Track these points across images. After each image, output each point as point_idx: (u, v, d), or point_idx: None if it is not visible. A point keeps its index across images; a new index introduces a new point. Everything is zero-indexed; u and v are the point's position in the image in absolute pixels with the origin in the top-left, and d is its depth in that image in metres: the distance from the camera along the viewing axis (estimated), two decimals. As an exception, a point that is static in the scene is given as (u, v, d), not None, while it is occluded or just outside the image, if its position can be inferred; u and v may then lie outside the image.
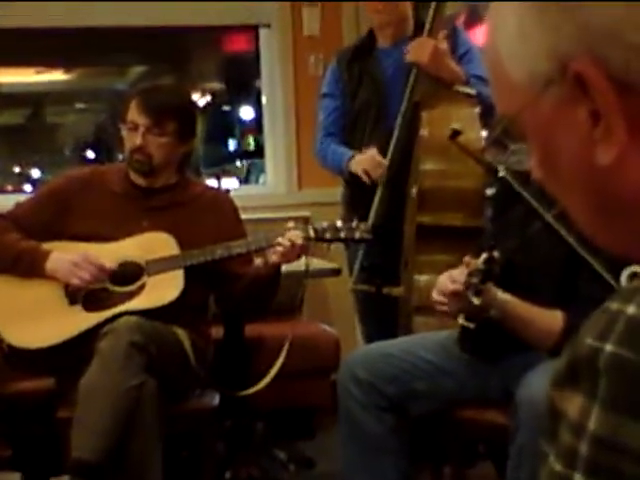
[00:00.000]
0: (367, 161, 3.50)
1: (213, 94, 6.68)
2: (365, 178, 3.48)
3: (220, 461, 3.42)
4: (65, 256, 2.99)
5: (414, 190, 3.29)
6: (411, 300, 3.20)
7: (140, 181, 3.13)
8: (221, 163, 7.24)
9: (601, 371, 0.68)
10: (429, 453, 3.14)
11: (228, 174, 6.97)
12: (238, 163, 7.44)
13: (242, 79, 6.57)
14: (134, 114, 3.06)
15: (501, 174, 2.65)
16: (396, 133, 3.43)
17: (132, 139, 3.07)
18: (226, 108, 7.29)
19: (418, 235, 3.21)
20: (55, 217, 3.09)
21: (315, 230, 3.07)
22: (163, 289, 2.97)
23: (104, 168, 3.35)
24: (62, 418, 2.87)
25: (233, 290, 3.12)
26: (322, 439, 3.99)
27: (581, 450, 0.68)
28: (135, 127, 3.06)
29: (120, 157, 7.29)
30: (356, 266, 3.59)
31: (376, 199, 3.45)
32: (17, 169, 8.00)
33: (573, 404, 0.70)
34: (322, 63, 4.75)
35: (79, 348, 2.86)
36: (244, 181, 6.57)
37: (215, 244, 3.02)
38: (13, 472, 3.32)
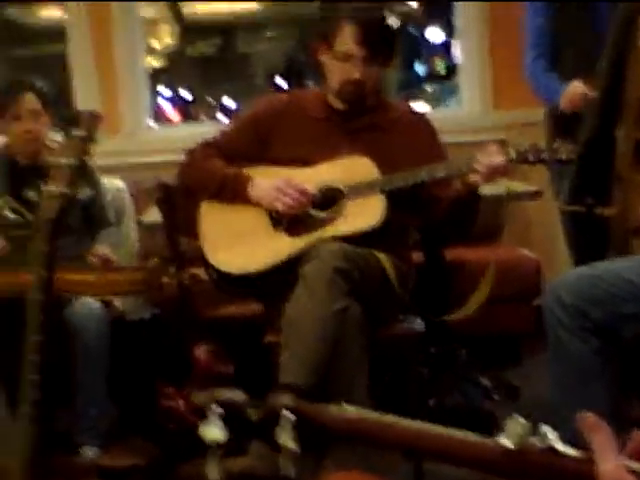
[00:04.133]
0: (570, 95, 3.42)
1: (402, 16, 6.58)
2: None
3: (424, 387, 3.40)
4: (268, 181, 3.00)
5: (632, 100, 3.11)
6: (627, 221, 3.05)
7: (339, 105, 3.09)
8: (409, 87, 7.14)
9: None
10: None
11: (417, 98, 6.88)
12: (427, 87, 7.33)
13: (433, 1, 6.43)
14: (349, 44, 2.95)
15: None
16: (610, 40, 3.25)
17: (344, 70, 2.98)
18: (412, 30, 7.18)
19: (637, 152, 3.04)
20: (256, 142, 3.10)
21: (517, 152, 2.97)
22: (365, 214, 2.93)
23: (302, 93, 3.32)
24: (270, 343, 2.92)
25: (434, 214, 3.06)
26: (527, 366, 3.92)
27: None
28: (348, 58, 2.97)
29: (310, 83, 7.33)
30: (564, 187, 3.45)
31: (587, 114, 3.32)
32: (210, 98, 8.15)
33: None
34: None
35: (284, 273, 2.88)
36: (434, 104, 6.47)
37: (416, 167, 2.95)
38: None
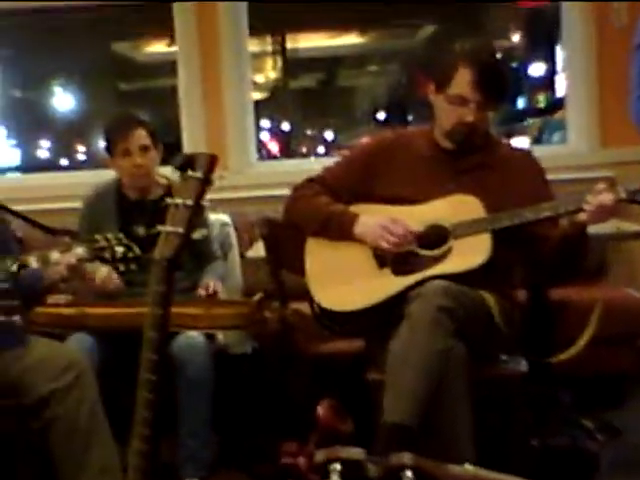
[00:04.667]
0: None
1: (504, 52, 6.57)
2: None
3: (527, 428, 3.36)
4: (373, 219, 3.01)
5: None
6: None
7: (447, 144, 3.09)
8: (510, 122, 7.10)
9: None
10: None
11: (518, 133, 6.83)
12: (528, 121, 7.27)
13: (536, 35, 6.40)
14: (464, 88, 2.94)
15: None
16: None
17: (457, 112, 2.97)
18: (514, 65, 7.15)
19: None
20: (363, 180, 3.12)
21: (627, 191, 2.92)
22: (470, 253, 2.92)
23: (409, 131, 3.33)
24: (372, 380, 2.92)
25: (540, 252, 3.03)
26: (631, 408, 3.84)
27: None
28: (462, 101, 2.96)
29: (410, 118, 7.34)
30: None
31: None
32: (310, 132, 8.22)
33: None
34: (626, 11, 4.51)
35: (388, 311, 2.88)
36: (536, 140, 6.41)
37: (523, 206, 2.93)
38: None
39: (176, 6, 4.58)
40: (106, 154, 3.67)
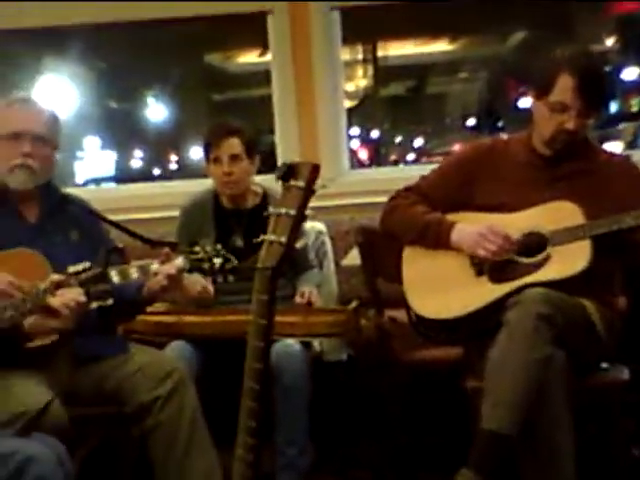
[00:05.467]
0: None
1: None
2: None
3: (628, 437, 3.30)
4: (470, 227, 3.01)
5: None
6: None
7: (545, 151, 3.07)
8: (604, 126, 7.00)
9: None
10: None
11: (612, 137, 6.73)
12: (621, 126, 7.16)
13: (629, 39, 6.30)
14: (566, 96, 2.91)
15: None
16: None
17: (558, 120, 2.95)
18: (608, 69, 7.03)
19: None
20: (460, 188, 3.12)
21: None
22: (570, 260, 2.88)
23: (506, 138, 3.31)
24: (470, 388, 2.91)
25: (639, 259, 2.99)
26: None
27: None
28: (564, 108, 2.93)
29: (500, 124, 7.29)
30: None
31: None
32: (399, 139, 8.21)
33: None
34: None
35: (486, 319, 2.87)
36: (629, 144, 6.31)
37: (622, 212, 2.89)
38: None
39: (270, 17, 4.62)
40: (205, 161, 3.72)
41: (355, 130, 7.33)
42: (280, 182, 1.87)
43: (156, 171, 8.26)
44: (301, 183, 1.82)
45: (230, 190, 3.66)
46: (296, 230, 1.83)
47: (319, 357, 3.62)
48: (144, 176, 7.73)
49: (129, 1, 4.66)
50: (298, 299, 3.53)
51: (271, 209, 1.84)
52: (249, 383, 1.87)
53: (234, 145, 3.61)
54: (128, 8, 4.68)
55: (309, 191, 1.82)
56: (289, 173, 1.84)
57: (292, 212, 1.82)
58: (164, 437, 2.92)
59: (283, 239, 1.82)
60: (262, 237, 1.84)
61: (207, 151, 3.65)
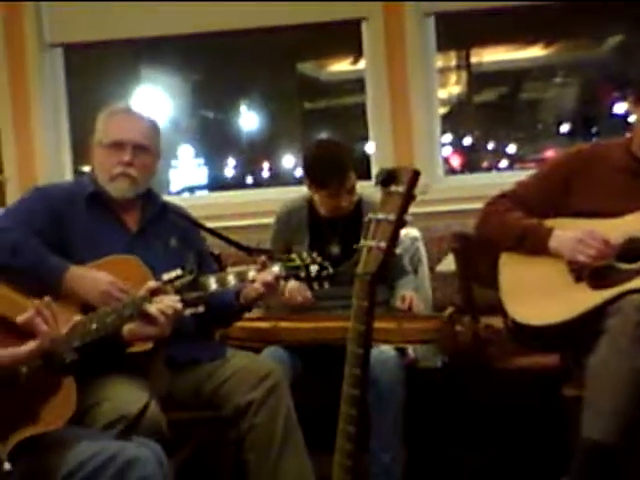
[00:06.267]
0: None
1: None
2: None
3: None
4: (569, 233, 2.97)
5: None
6: None
7: (645, 156, 3.02)
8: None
9: None
10: None
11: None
12: None
13: None
14: None
15: None
16: None
17: None
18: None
19: None
20: (558, 194, 3.08)
21: None
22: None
23: (605, 143, 3.26)
24: (568, 396, 2.87)
25: None
26: None
27: None
28: None
29: (595, 130, 7.17)
30: None
31: None
32: (492, 145, 8.13)
33: None
34: None
35: (585, 326, 2.82)
36: None
37: None
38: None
39: (365, 24, 4.64)
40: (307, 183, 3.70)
41: (447, 137, 7.30)
42: (380, 187, 1.86)
43: (249, 179, 8.33)
44: (401, 189, 1.81)
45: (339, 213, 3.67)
46: (396, 236, 1.82)
47: (413, 364, 3.61)
48: (237, 184, 7.80)
49: (223, 11, 4.72)
50: (399, 303, 3.53)
51: (370, 215, 1.83)
52: (348, 389, 1.86)
53: (350, 180, 3.59)
54: (222, 18, 4.74)
55: (409, 197, 1.81)
56: (389, 179, 1.84)
57: (392, 218, 1.81)
58: (259, 440, 2.95)
59: (383, 245, 1.81)
60: (361, 243, 1.84)
61: (314, 183, 3.62)
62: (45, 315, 2.03)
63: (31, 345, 2.00)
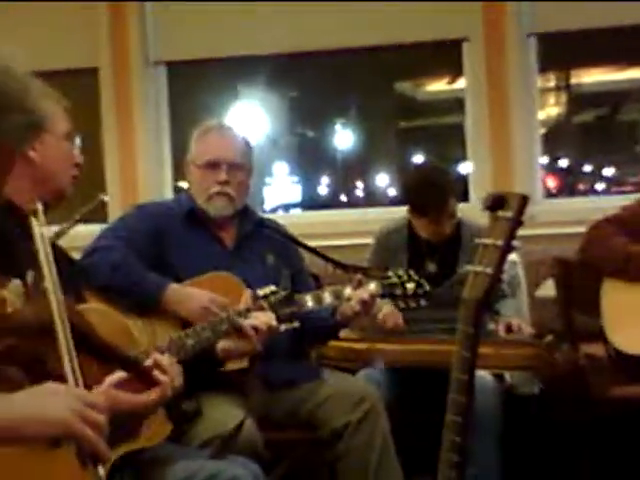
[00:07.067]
0: None
1: None
2: None
3: None
4: None
5: None
6: None
7: None
8: None
9: None
10: None
11: None
12: None
13: None
14: None
15: None
16: None
17: None
18: None
19: None
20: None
21: None
22: None
23: None
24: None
25: None
26: None
27: None
28: None
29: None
30: None
31: None
32: (589, 168, 7.99)
33: None
34: None
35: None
36: None
37: None
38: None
39: (466, 44, 4.61)
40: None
41: (543, 159, 7.20)
42: (487, 212, 1.83)
43: (342, 198, 8.33)
44: (509, 214, 1.78)
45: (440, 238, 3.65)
46: (503, 262, 1.78)
47: (510, 390, 3.55)
48: (331, 203, 7.81)
49: (322, 30, 4.74)
50: (501, 329, 3.46)
51: (477, 240, 1.81)
52: (452, 416, 1.83)
53: (450, 206, 3.58)
54: (319, 37, 4.76)
55: (517, 222, 1.78)
56: (497, 203, 1.80)
57: (499, 243, 1.78)
58: (355, 463, 2.93)
59: (489, 270, 1.78)
60: (468, 267, 1.81)
61: (417, 211, 3.62)
62: (163, 365, 2.00)
63: (152, 395, 1.96)
